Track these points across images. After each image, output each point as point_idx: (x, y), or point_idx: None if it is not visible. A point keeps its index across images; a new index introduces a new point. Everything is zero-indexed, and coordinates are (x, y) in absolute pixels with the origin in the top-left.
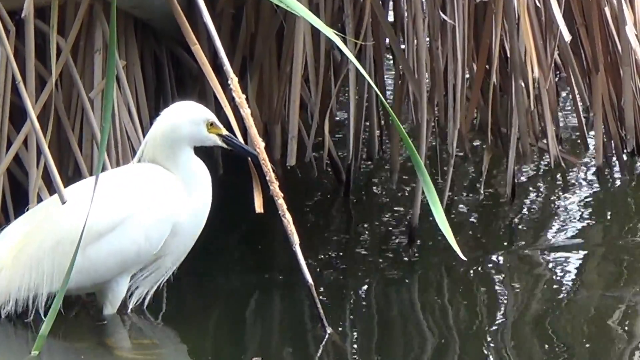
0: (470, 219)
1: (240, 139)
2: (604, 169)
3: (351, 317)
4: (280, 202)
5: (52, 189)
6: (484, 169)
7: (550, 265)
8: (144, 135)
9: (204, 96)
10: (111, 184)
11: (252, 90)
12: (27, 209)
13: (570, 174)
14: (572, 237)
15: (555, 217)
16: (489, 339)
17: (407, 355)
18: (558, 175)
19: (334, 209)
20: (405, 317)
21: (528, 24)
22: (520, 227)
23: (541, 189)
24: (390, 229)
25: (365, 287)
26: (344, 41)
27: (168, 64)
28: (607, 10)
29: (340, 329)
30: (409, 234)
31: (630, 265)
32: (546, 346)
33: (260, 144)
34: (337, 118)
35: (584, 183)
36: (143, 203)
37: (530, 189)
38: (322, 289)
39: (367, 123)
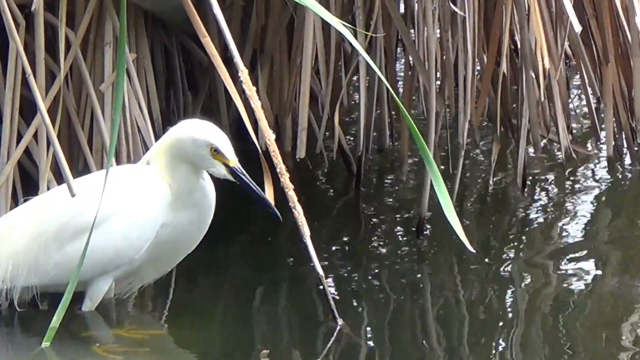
0: (481, 210)
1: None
2: (614, 159)
3: (362, 308)
4: (291, 193)
5: (62, 182)
6: (493, 160)
7: (562, 258)
8: (154, 128)
9: (214, 88)
10: (98, 183)
11: (263, 83)
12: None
13: (581, 164)
14: (583, 228)
15: (566, 209)
16: (499, 333)
17: (418, 347)
18: (569, 166)
19: (345, 201)
20: (416, 309)
21: (538, 15)
22: (531, 218)
23: (552, 180)
24: (401, 220)
25: (376, 278)
26: (355, 33)
27: (178, 56)
28: (617, 0)
29: (351, 320)
30: (417, 226)
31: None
32: (558, 344)
33: (270, 136)
34: (348, 110)
35: (594, 174)
36: (124, 204)
37: (541, 179)
38: (332, 281)
39: (378, 114)
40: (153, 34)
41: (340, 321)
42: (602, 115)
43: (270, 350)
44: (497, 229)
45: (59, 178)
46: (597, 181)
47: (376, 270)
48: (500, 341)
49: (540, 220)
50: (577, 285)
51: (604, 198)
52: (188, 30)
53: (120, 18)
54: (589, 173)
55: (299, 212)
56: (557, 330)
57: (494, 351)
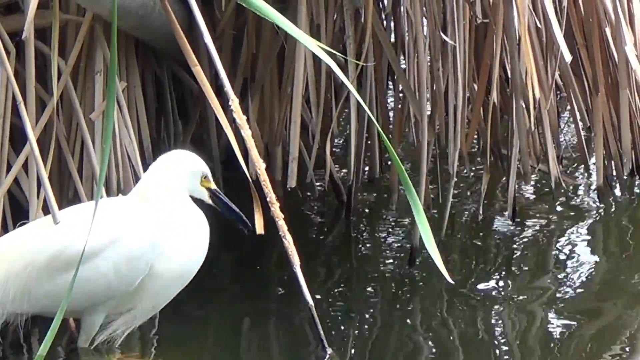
0: (471, 239)
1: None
2: (604, 189)
3: (351, 338)
4: (281, 223)
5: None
6: (482, 190)
7: (552, 286)
8: (144, 157)
9: (204, 117)
10: (89, 215)
11: (253, 111)
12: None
13: (571, 194)
14: (573, 258)
15: (556, 238)
16: None
17: None
18: (559, 196)
19: (335, 230)
20: (405, 338)
21: (529, 45)
22: (521, 247)
23: (542, 210)
24: (391, 250)
25: (365, 308)
26: (345, 62)
27: (169, 85)
28: (607, 30)
29: (340, 349)
30: (410, 255)
31: (634, 286)
32: None
33: (261, 165)
34: (339, 139)
35: (584, 203)
36: (116, 236)
37: (531, 209)
38: (322, 310)
39: (369, 143)
40: (144, 63)
41: (329, 350)
42: (592, 145)
43: None
44: (487, 258)
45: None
46: (587, 211)
47: (366, 300)
48: None
49: (531, 249)
50: (568, 312)
51: (594, 228)
52: (179, 59)
53: (110, 47)
54: (579, 203)
55: (289, 241)
56: (549, 357)
57: None
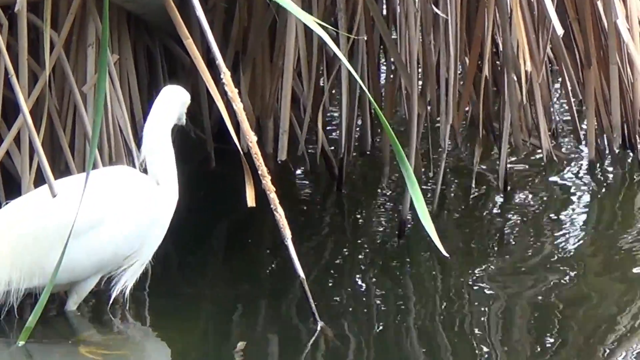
0: (463, 213)
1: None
2: (596, 162)
3: (343, 310)
4: (272, 196)
5: (44, 183)
6: (475, 163)
7: (543, 261)
8: (136, 129)
9: (196, 90)
10: (95, 183)
11: (245, 85)
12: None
13: (563, 167)
14: (565, 231)
15: (548, 211)
16: (479, 332)
17: (398, 348)
18: (550, 169)
19: (327, 203)
20: (396, 310)
21: (520, 18)
22: (512, 221)
23: (533, 183)
24: (383, 222)
25: (357, 280)
26: (337, 35)
27: (161, 57)
28: (599, 4)
29: (332, 321)
30: (399, 228)
31: (624, 258)
32: (540, 346)
33: (252, 138)
34: (330, 112)
35: (576, 177)
36: (123, 206)
37: (523, 183)
38: (314, 283)
39: (360, 116)
40: (136, 36)
41: (320, 323)
42: (584, 118)
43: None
44: (479, 231)
45: (42, 179)
46: (578, 184)
47: (358, 272)
48: (482, 342)
49: (522, 222)
50: (559, 287)
51: (585, 200)
52: (171, 32)
53: (102, 19)
54: (571, 176)
55: (280, 214)
56: (540, 332)
57: (475, 352)
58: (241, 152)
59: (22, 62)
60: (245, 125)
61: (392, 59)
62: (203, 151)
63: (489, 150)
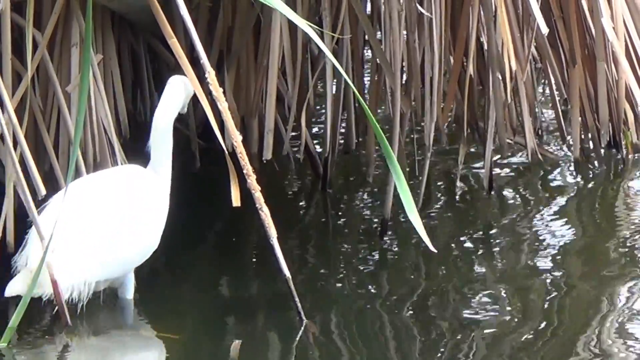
0: (447, 213)
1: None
2: (581, 161)
3: (329, 309)
4: (258, 195)
5: (29, 182)
6: (459, 162)
7: (527, 259)
8: (120, 129)
9: None
10: (124, 181)
11: (229, 84)
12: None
13: (548, 166)
14: (549, 230)
15: (533, 210)
16: (464, 330)
17: (382, 345)
18: (535, 168)
19: (312, 202)
20: (381, 308)
21: (505, 16)
22: (497, 220)
23: (518, 182)
24: (368, 221)
25: (343, 279)
26: (321, 34)
27: (145, 57)
28: (584, 2)
29: (318, 320)
30: (381, 226)
31: (607, 258)
32: (522, 342)
33: (237, 138)
34: (314, 111)
35: (561, 176)
36: (155, 200)
37: (508, 182)
38: (299, 282)
39: (345, 115)
40: (120, 35)
41: (306, 321)
42: (569, 117)
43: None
44: (464, 230)
45: (26, 178)
46: (563, 183)
47: (343, 271)
48: (465, 340)
49: (506, 221)
50: (542, 284)
51: (570, 200)
52: (155, 31)
53: (86, 19)
54: (556, 175)
55: (266, 213)
56: (521, 328)
57: (460, 349)
58: (226, 152)
59: (5, 62)
60: (230, 124)
61: (376, 58)
62: (187, 151)
63: (475, 149)
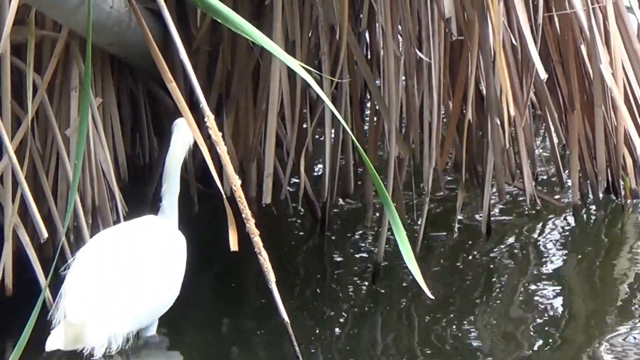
0: (445, 258)
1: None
2: (580, 206)
3: (328, 354)
4: (256, 239)
5: (28, 226)
6: (458, 207)
7: (525, 304)
8: (119, 173)
9: None
10: (148, 233)
11: (228, 128)
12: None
13: (546, 211)
14: (548, 275)
15: (531, 255)
16: None
17: None
18: (534, 213)
19: (310, 246)
20: (382, 354)
21: (504, 62)
22: (495, 265)
23: (517, 227)
24: (366, 266)
25: (342, 323)
26: (320, 79)
27: (144, 101)
28: (583, 48)
29: None
30: (374, 271)
31: (605, 302)
32: None
33: (236, 182)
34: (313, 156)
35: (560, 221)
36: (176, 251)
37: (506, 227)
38: (299, 326)
39: (343, 159)
40: (119, 79)
41: None
42: (568, 162)
43: None
44: (462, 275)
45: (25, 222)
46: (562, 228)
47: (343, 316)
48: None
49: (505, 266)
50: (539, 331)
51: (569, 245)
52: (154, 75)
53: (85, 63)
54: (554, 220)
55: (264, 257)
56: None
57: None
58: (224, 196)
59: (5, 106)
60: (229, 168)
61: (375, 103)
62: (187, 195)
63: (473, 194)
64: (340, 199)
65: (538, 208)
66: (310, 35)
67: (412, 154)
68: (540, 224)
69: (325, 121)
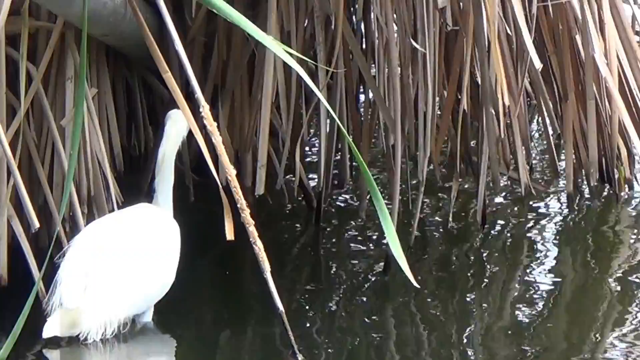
0: (441, 247)
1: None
2: (574, 195)
3: (323, 343)
4: (252, 229)
5: (22, 216)
6: (452, 197)
7: (520, 293)
8: (114, 163)
9: None
10: (145, 219)
11: (223, 118)
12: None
13: (541, 201)
14: (542, 265)
15: (526, 245)
16: None
17: None
18: (528, 202)
19: (306, 236)
20: (377, 344)
21: (499, 52)
22: (490, 255)
23: (512, 217)
24: (361, 255)
25: (336, 313)
26: (316, 69)
27: (140, 91)
28: (577, 38)
29: (311, 355)
30: (385, 263)
31: (599, 292)
32: None
33: (231, 172)
34: (309, 146)
35: (554, 210)
36: (173, 236)
37: (501, 216)
38: (293, 316)
39: (339, 149)
40: (115, 70)
41: (300, 356)
42: (562, 151)
43: None
44: (458, 264)
45: (19, 212)
46: (557, 217)
47: (337, 305)
48: None
49: (500, 256)
50: (535, 318)
51: (563, 234)
52: (150, 65)
53: (80, 53)
54: (549, 209)
55: (259, 247)
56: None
57: None
58: (220, 186)
59: (0, 96)
60: (224, 158)
61: (370, 92)
62: (183, 186)
63: (468, 184)
64: (335, 189)
65: (532, 197)
66: (305, 25)
67: (407, 144)
68: (535, 212)
69: (320, 111)
